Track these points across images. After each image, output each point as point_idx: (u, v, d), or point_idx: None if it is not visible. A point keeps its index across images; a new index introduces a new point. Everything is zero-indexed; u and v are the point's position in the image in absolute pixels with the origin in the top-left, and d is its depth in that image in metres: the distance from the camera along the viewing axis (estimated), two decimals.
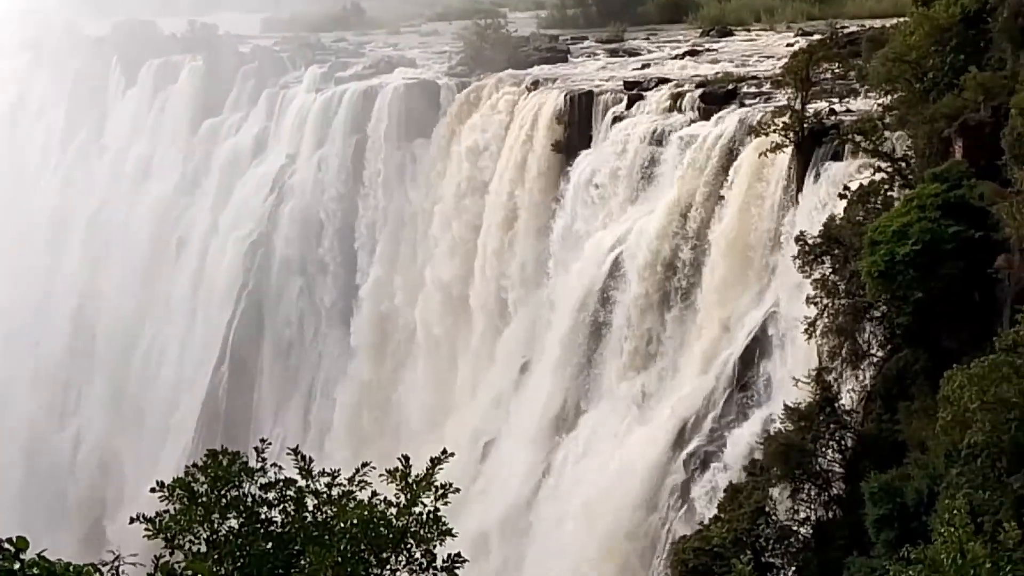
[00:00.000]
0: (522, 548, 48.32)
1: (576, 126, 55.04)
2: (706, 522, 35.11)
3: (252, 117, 74.18)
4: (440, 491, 12.14)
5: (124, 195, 79.12)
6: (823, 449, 33.58)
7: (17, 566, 5.36)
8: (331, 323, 67.25)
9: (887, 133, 37.75)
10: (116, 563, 8.30)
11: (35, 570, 5.30)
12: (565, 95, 56.15)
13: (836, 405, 33.91)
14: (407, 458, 12.44)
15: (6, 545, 5.29)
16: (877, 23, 56.01)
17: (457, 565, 12.16)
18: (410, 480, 12.14)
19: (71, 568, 5.36)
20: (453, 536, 12.36)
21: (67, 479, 74.07)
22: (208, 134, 76.37)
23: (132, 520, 12.32)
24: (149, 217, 76.57)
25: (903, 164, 36.92)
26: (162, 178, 77.75)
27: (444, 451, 12.44)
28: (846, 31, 53.91)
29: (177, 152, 77.64)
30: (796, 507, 33.62)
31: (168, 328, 73.52)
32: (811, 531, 33.39)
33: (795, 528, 33.25)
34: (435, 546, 12.31)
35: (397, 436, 60.20)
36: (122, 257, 76.77)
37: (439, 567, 12.22)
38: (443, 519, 12.29)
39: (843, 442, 33.77)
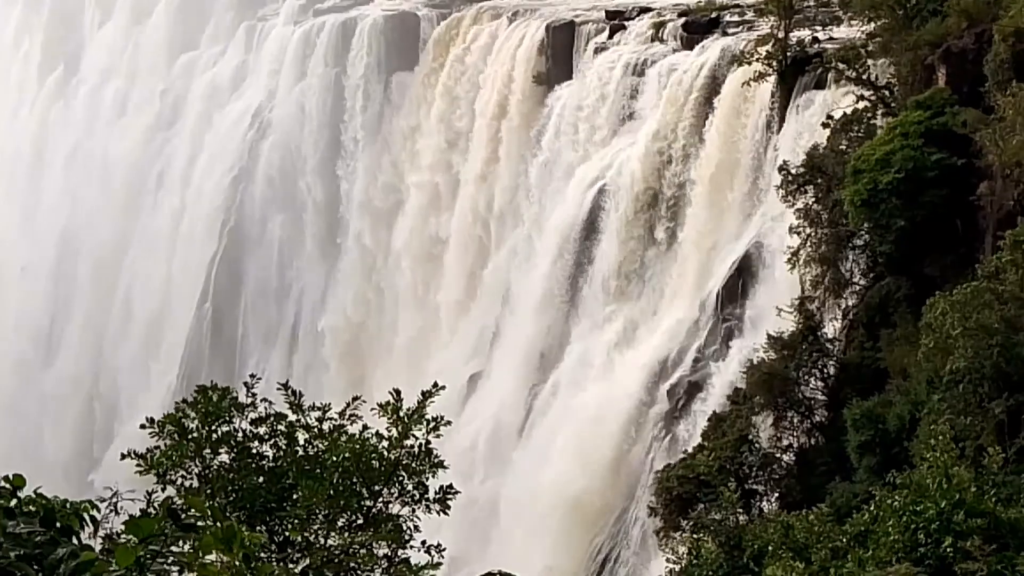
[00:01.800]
0: (505, 477, 48.71)
1: (557, 57, 54.59)
2: (690, 451, 35.44)
3: (230, 50, 73.29)
4: (432, 424, 12.20)
5: (102, 130, 78.28)
6: (806, 377, 33.87)
7: (13, 503, 5.38)
8: (314, 258, 67.06)
9: (870, 61, 37.65)
10: (114, 499, 8.37)
11: (31, 507, 5.31)
12: (546, 26, 55.63)
13: (819, 333, 34.15)
14: (398, 392, 12.48)
15: (2, 483, 5.30)
16: None
17: (449, 496, 12.26)
18: (401, 413, 12.19)
19: (67, 504, 5.38)
20: (445, 468, 12.45)
21: (52, 415, 74.11)
22: (185, 68, 75.49)
23: (123, 456, 12.35)
24: (128, 152, 75.83)
25: (886, 92, 36.87)
26: (140, 113, 76.91)
27: (435, 384, 12.48)
28: None
29: (154, 87, 76.75)
30: (779, 435, 33.99)
31: (150, 265, 73.18)
32: (794, 458, 33.78)
33: (778, 455, 33.62)
34: (427, 478, 12.39)
35: (383, 370, 60.33)
36: (101, 193, 76.16)
37: (431, 499, 12.31)
38: (435, 451, 12.37)
39: (825, 370, 34.07)
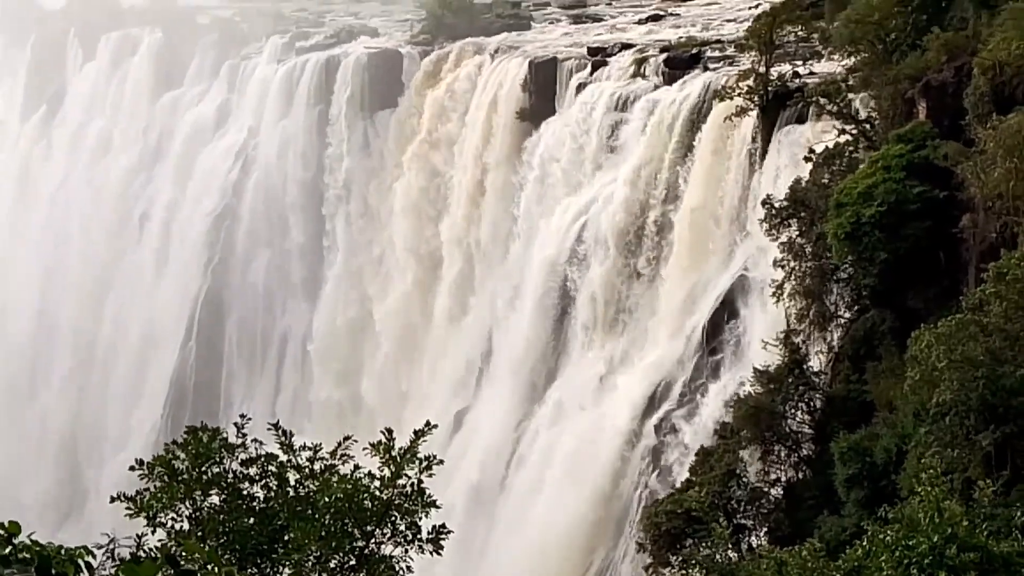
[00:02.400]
0: (494, 514, 48.49)
1: (540, 93, 54.85)
2: (678, 485, 35.35)
3: (213, 89, 73.43)
4: (424, 463, 12.13)
5: (85, 169, 78.23)
6: (792, 411, 33.85)
7: (8, 550, 5.33)
8: (299, 296, 66.96)
9: (851, 95, 37.92)
10: (111, 546, 8.27)
11: (26, 554, 5.26)
12: (529, 62, 55.95)
13: (804, 367, 34.15)
14: (390, 431, 12.42)
15: None
16: None
17: (442, 536, 12.18)
18: (393, 453, 12.12)
19: (62, 551, 5.33)
20: (437, 508, 12.37)
21: (36, 455, 73.48)
22: (169, 107, 75.58)
23: (113, 499, 12.23)
24: (111, 191, 75.75)
25: (867, 125, 37.12)
26: (123, 152, 76.89)
27: (427, 423, 12.42)
28: None
29: (138, 126, 76.78)
30: (767, 469, 33.91)
31: (133, 303, 72.92)
32: (782, 492, 33.69)
33: (766, 489, 33.53)
34: (420, 518, 12.31)
35: (367, 408, 60.15)
36: (84, 232, 76.01)
37: (424, 539, 12.22)
38: (427, 491, 12.29)
39: (812, 403, 34.06)
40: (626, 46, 54.48)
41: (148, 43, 78.19)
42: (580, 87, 52.50)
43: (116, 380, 72.24)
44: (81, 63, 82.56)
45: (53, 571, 5.10)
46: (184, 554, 5.04)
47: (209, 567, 4.99)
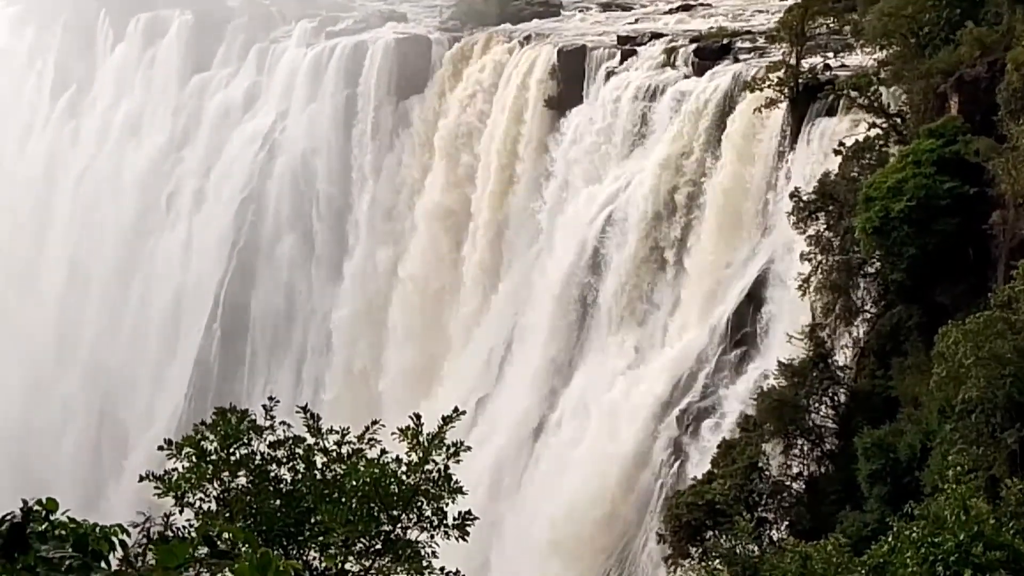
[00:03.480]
0: (514, 503, 48.55)
1: (569, 82, 54.73)
2: (699, 477, 35.30)
3: (242, 72, 73.58)
4: (452, 449, 12.16)
5: (113, 150, 78.58)
6: (816, 405, 33.76)
7: (44, 526, 5.37)
8: (323, 279, 67.12)
9: (882, 88, 37.69)
10: (147, 524, 8.34)
11: (62, 531, 5.30)
12: (558, 50, 55.82)
13: (829, 361, 34.04)
14: (418, 416, 12.45)
15: (36, 507, 5.30)
16: None
17: (468, 523, 12.21)
18: (421, 438, 12.16)
19: (97, 528, 5.36)
20: (464, 494, 12.40)
21: (61, 436, 74.06)
22: (197, 89, 75.78)
23: (141, 478, 12.33)
24: (139, 173, 76.09)
25: (898, 120, 36.89)
26: (152, 133, 77.19)
27: (456, 409, 12.45)
28: None
29: (166, 107, 77.06)
30: (789, 462, 33.83)
31: (160, 284, 73.28)
32: (804, 486, 33.62)
33: (788, 483, 33.47)
34: (446, 504, 12.34)
35: (390, 392, 60.30)
36: (112, 212, 76.40)
37: (450, 524, 12.26)
38: (454, 477, 12.33)
39: (836, 398, 33.95)
40: (656, 35, 54.30)
41: (178, 25, 78.42)
42: (609, 76, 52.36)
43: (141, 361, 72.66)
44: (111, 44, 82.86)
45: (89, 548, 5.15)
46: (219, 534, 5.08)
47: (244, 547, 5.03)
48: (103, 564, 5.24)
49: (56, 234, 79.97)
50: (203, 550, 5.27)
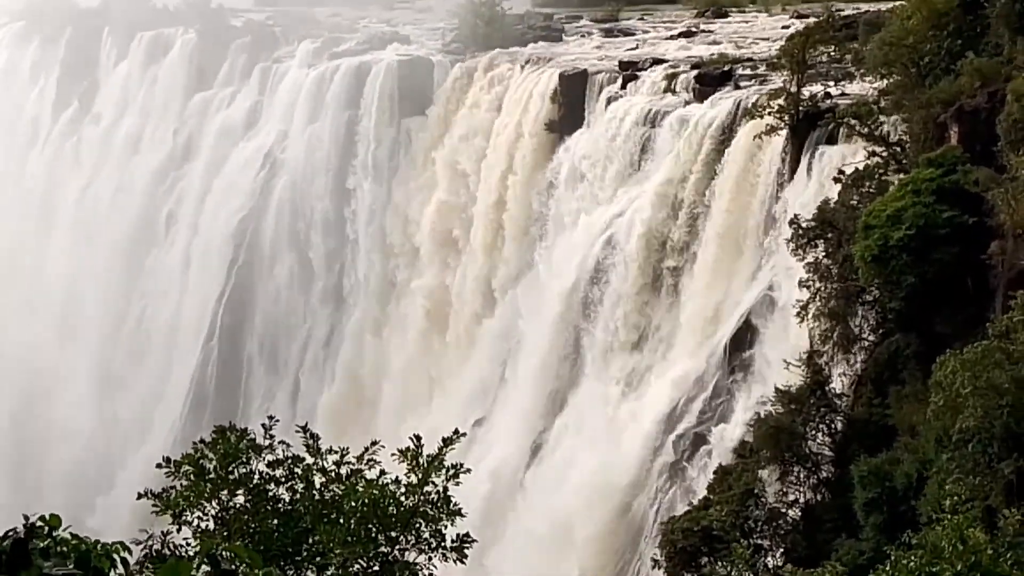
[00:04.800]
0: (508, 526, 48.40)
1: (570, 106, 54.89)
2: (695, 503, 35.24)
3: (244, 91, 73.81)
4: (451, 471, 12.15)
5: (114, 168, 78.73)
6: (813, 432, 33.72)
7: (47, 543, 5.38)
8: (322, 300, 67.14)
9: (882, 117, 37.83)
10: (149, 542, 8.33)
11: (64, 547, 5.31)
12: (559, 74, 56.01)
13: (827, 388, 34.03)
14: (418, 437, 12.44)
15: (39, 523, 5.30)
16: (874, 6, 56.00)
17: (467, 545, 12.19)
18: (420, 460, 12.14)
19: (99, 545, 5.37)
20: (463, 516, 12.38)
21: (56, 454, 73.89)
22: (199, 108, 75.99)
23: (140, 496, 12.30)
24: (139, 190, 76.23)
25: (898, 148, 37.01)
26: (153, 151, 77.37)
27: (456, 431, 12.46)
28: (842, 14, 53.84)
29: (168, 125, 77.26)
30: (785, 489, 33.76)
31: (158, 302, 73.30)
32: (800, 513, 33.55)
33: (784, 510, 33.39)
34: (445, 526, 12.32)
35: (387, 414, 60.21)
36: (112, 230, 76.45)
37: (448, 547, 12.24)
38: (452, 499, 12.31)
39: (833, 425, 33.93)
40: (658, 61, 54.51)
41: (181, 43, 78.72)
42: (610, 101, 52.54)
43: (139, 378, 72.58)
44: (114, 62, 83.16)
45: (92, 564, 5.15)
46: (223, 554, 5.09)
47: (247, 566, 5.03)
48: None
49: (56, 249, 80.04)
50: (205, 569, 5.27)
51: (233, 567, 5.08)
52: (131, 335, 74.13)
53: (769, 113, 41.10)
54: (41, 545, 5.26)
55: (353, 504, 11.82)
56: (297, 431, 12.70)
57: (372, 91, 65.16)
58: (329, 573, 11.41)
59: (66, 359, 76.34)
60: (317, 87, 68.02)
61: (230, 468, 12.14)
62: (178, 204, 74.57)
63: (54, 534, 5.31)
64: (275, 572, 4.45)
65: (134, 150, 78.46)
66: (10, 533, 5.24)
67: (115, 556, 5.41)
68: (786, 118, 41.11)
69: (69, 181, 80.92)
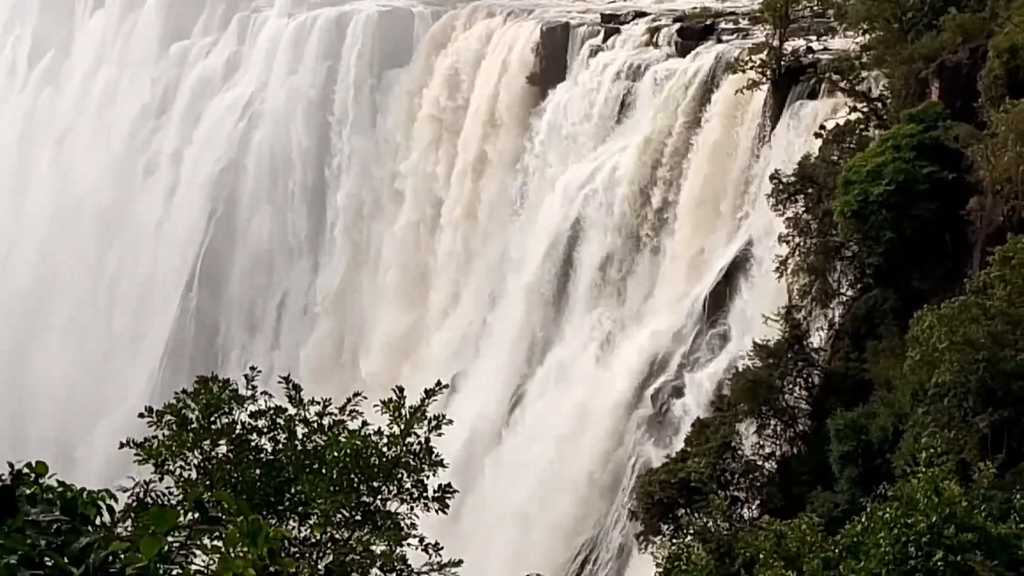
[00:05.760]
0: (486, 479, 48.67)
1: (551, 59, 54.64)
2: (673, 455, 35.51)
3: (222, 42, 73.11)
4: (433, 423, 12.21)
5: (92, 117, 77.98)
6: (790, 386, 33.97)
7: (34, 490, 5.39)
8: (300, 253, 66.98)
9: (864, 72, 37.82)
10: (136, 489, 8.37)
11: (51, 495, 5.33)
12: (541, 27, 55.69)
13: (804, 343, 34.25)
14: (401, 389, 12.49)
15: (25, 470, 5.32)
16: None
17: (448, 496, 12.28)
18: (403, 411, 12.20)
19: (85, 493, 5.39)
20: (444, 467, 12.47)
21: (36, 402, 73.72)
22: (177, 58, 75.24)
23: (122, 445, 12.32)
24: (117, 140, 75.59)
25: (879, 104, 37.04)
26: (130, 102, 76.62)
27: (439, 383, 12.52)
28: None
29: (145, 76, 76.48)
30: (762, 443, 34.05)
31: (136, 253, 72.93)
32: (776, 466, 33.86)
33: (760, 463, 33.70)
34: (426, 477, 12.41)
35: (366, 367, 60.29)
36: (89, 179, 75.85)
37: (430, 497, 12.33)
38: (435, 450, 12.39)
39: (810, 379, 34.17)
40: (640, 14, 54.22)
41: None
42: (592, 54, 52.29)
43: (116, 329, 72.38)
44: (91, 10, 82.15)
45: (78, 511, 5.17)
46: (208, 501, 5.11)
47: (232, 514, 5.06)
48: (90, 528, 5.26)
49: (33, 199, 79.40)
50: (189, 517, 5.30)
51: (218, 515, 5.11)
52: (108, 286, 73.80)
53: (751, 68, 41.01)
54: (28, 492, 5.28)
55: (335, 454, 11.90)
56: (279, 382, 12.74)
57: (352, 42, 64.72)
58: (311, 522, 11.51)
59: (43, 310, 75.98)
60: (296, 37, 67.46)
61: (212, 418, 12.19)
62: (156, 155, 74.03)
63: (40, 481, 5.32)
64: (261, 520, 4.50)
65: (112, 100, 77.70)
66: None
67: (100, 504, 5.43)
68: (768, 73, 41.05)
69: (46, 131, 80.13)
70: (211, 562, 4.96)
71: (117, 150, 75.26)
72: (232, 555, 4.75)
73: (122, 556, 4.70)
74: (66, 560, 4.75)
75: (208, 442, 12.13)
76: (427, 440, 12.34)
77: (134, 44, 77.86)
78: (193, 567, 5.01)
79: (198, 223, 69.02)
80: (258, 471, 11.92)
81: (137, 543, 4.75)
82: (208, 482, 11.57)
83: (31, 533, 4.87)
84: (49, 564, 4.75)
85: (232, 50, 72.08)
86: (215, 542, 4.94)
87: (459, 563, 10.91)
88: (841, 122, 36.78)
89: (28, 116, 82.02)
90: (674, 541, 29.90)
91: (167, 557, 4.81)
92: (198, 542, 4.96)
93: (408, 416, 12.14)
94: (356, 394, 12.44)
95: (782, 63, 41.28)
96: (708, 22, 50.52)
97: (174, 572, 4.93)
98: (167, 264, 70.71)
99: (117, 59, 78.58)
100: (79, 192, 75.99)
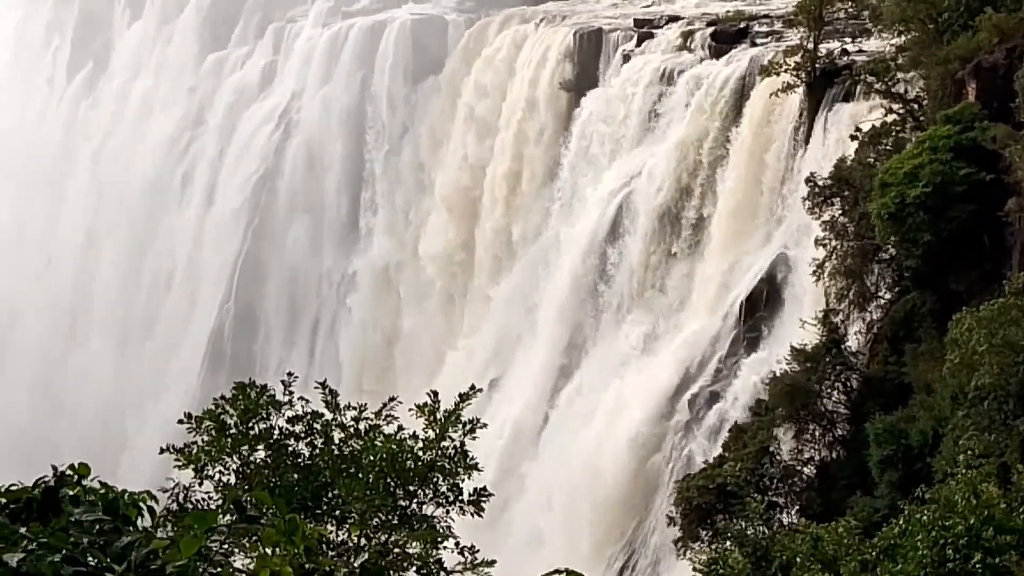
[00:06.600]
0: (523, 484, 48.68)
1: (585, 64, 54.67)
2: (710, 461, 35.40)
3: (258, 51, 73.71)
4: (468, 426, 12.28)
5: (129, 128, 78.79)
6: (828, 390, 33.80)
7: (77, 491, 5.51)
8: (337, 259, 67.32)
9: (900, 74, 37.59)
10: (175, 491, 8.49)
11: (93, 496, 5.44)
12: (574, 33, 55.73)
13: (843, 347, 34.06)
14: (435, 393, 12.58)
15: (68, 472, 5.43)
16: None
17: (484, 499, 12.35)
18: (438, 415, 12.28)
19: (126, 494, 5.50)
20: (479, 471, 12.53)
21: (75, 409, 74.46)
22: (213, 68, 75.92)
23: (162, 451, 12.48)
24: (154, 150, 76.33)
25: (915, 105, 36.80)
26: (167, 112, 77.39)
27: (473, 387, 12.60)
28: None
29: (182, 85, 77.22)
30: (800, 447, 33.90)
31: (173, 263, 73.61)
32: (815, 471, 33.70)
33: (799, 468, 33.55)
34: (462, 480, 12.48)
35: (404, 373, 60.52)
36: (127, 190, 76.64)
37: (465, 500, 12.40)
38: (469, 454, 12.46)
39: (848, 383, 33.98)
40: (673, 18, 54.17)
41: (195, 3, 78.54)
42: (625, 59, 52.28)
43: (155, 338, 73.02)
44: (128, 22, 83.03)
45: (120, 512, 5.27)
46: (247, 501, 5.20)
47: (271, 514, 5.15)
48: (131, 528, 5.36)
49: (71, 209, 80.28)
50: (228, 518, 5.39)
51: (256, 515, 5.20)
52: (146, 295, 74.49)
53: (786, 70, 40.86)
54: (71, 493, 5.39)
55: (371, 459, 11.99)
56: (316, 387, 12.86)
57: (387, 50, 65.03)
58: (348, 525, 11.61)
59: (81, 320, 76.79)
60: (331, 46, 67.88)
61: (250, 423, 12.32)
62: (193, 165, 74.68)
63: (83, 483, 5.43)
64: (298, 518, 4.57)
65: (149, 111, 78.49)
66: (40, 482, 5.36)
67: (142, 505, 5.53)
68: (803, 75, 40.88)
69: (83, 142, 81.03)
70: (249, 562, 5.05)
71: (154, 160, 75.97)
72: (270, 554, 4.83)
73: (163, 554, 4.79)
74: (108, 558, 4.86)
75: (246, 447, 12.28)
76: (462, 444, 12.41)
77: (171, 55, 78.64)
78: (232, 568, 5.09)
79: (235, 232, 69.56)
80: (296, 475, 12.05)
81: (178, 542, 4.85)
82: (247, 486, 11.69)
83: (74, 532, 4.98)
84: (92, 562, 4.85)
85: (268, 60, 72.64)
86: (253, 541, 5.02)
87: (492, 563, 10.95)
88: (877, 124, 36.56)
89: (67, 127, 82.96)
90: (713, 546, 29.78)
91: (207, 556, 4.90)
92: (237, 542, 5.05)
93: (443, 420, 12.22)
94: (392, 399, 12.53)
95: (817, 65, 41.11)
96: (742, 25, 50.37)
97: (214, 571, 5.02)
98: (205, 273, 71.30)
99: (154, 70, 79.40)
100: (117, 202, 76.76)
